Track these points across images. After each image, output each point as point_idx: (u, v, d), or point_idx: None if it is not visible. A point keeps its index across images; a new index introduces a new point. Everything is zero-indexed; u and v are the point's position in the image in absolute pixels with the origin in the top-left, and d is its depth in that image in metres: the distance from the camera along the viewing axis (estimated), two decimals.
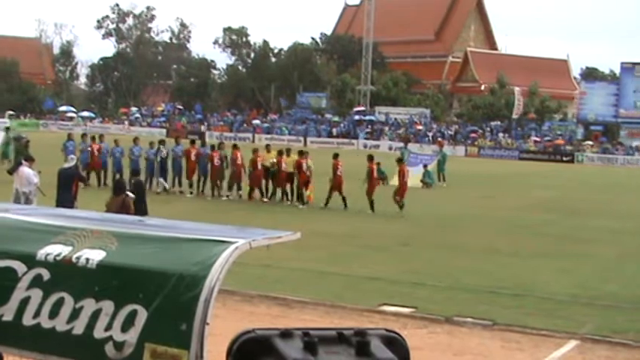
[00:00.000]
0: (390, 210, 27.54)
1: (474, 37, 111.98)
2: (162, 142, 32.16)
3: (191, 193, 29.95)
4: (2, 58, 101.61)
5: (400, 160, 30.00)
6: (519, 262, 18.53)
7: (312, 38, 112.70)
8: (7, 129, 35.93)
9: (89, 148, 31.78)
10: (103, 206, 15.17)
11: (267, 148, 31.49)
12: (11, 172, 20.89)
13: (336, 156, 29.20)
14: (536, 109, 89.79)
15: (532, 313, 13.62)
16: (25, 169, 19.84)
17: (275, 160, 29.09)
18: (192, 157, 30.12)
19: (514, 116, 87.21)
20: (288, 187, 29.10)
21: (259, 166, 28.88)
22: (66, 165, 20.94)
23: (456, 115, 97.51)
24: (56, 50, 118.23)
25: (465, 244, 20.89)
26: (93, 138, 32.99)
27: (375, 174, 28.42)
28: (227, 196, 29.49)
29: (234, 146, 30.48)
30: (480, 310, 13.58)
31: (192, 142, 31.94)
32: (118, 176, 28.55)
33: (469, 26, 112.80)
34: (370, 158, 28.83)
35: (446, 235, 22.59)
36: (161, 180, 30.30)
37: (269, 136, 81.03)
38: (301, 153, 29.52)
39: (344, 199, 27.89)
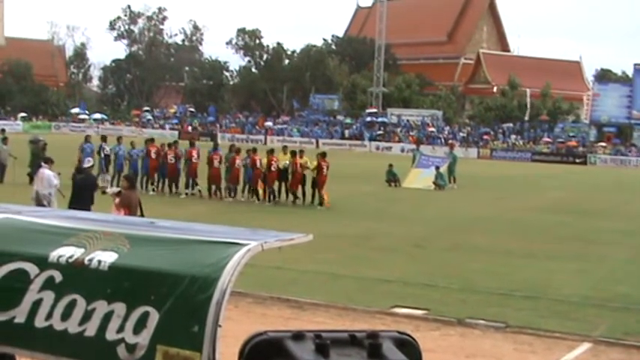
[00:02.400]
0: (401, 212, 27.54)
1: (486, 39, 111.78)
2: (104, 138, 33.09)
3: (186, 194, 30.01)
4: (15, 60, 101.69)
5: (323, 155, 29.74)
6: (532, 264, 18.47)
7: (325, 40, 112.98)
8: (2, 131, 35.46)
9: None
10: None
11: (284, 149, 31.49)
12: (32, 175, 20.97)
13: (323, 155, 29.38)
14: (548, 111, 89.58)
15: (545, 315, 13.57)
16: (45, 171, 19.88)
17: (288, 162, 29.20)
18: (194, 159, 30.31)
19: (526, 118, 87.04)
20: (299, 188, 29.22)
21: (273, 168, 28.96)
22: (85, 165, 20.91)
23: (468, 116, 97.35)
24: (68, 52, 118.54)
25: (478, 245, 20.84)
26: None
27: (325, 171, 28.78)
28: (230, 196, 29.45)
29: (254, 150, 30.37)
30: (492, 312, 13.54)
31: (192, 144, 32.01)
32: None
33: (481, 28, 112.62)
34: (323, 155, 29.49)
35: (458, 236, 22.53)
36: (107, 177, 30.35)
37: (281, 138, 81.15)
38: (294, 153, 29.65)
39: (321, 197, 28.59)
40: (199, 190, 29.94)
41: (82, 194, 18.40)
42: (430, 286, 15.42)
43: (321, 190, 28.89)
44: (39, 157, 25.00)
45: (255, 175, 29.04)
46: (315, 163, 29.00)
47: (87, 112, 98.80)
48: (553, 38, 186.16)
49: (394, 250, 19.68)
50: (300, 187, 29.09)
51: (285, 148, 32.03)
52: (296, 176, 28.85)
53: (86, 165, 21.17)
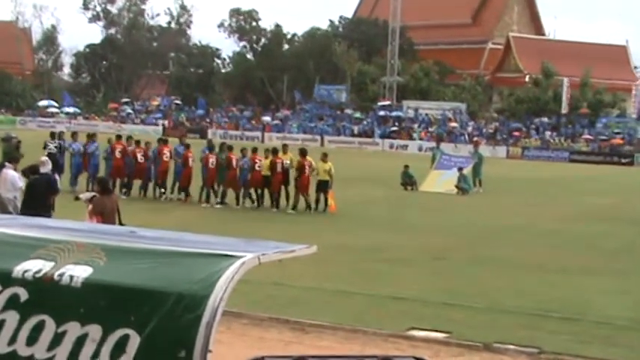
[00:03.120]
0: (418, 220, 27.51)
1: (517, 21, 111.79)
2: (56, 135, 33.56)
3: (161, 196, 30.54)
4: None
5: (303, 153, 29.88)
6: (569, 281, 18.44)
7: (331, 22, 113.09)
8: None
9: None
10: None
11: (284, 148, 31.53)
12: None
13: (303, 153, 29.65)
14: (589, 104, 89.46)
15: (584, 339, 13.54)
16: (9, 172, 19.75)
17: (289, 162, 29.32)
18: (165, 158, 30.72)
19: (563, 112, 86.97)
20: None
21: (278, 169, 29.12)
22: (42, 170, 20.33)
23: (495, 110, 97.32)
24: (35, 36, 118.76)
25: (507, 259, 20.81)
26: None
27: (307, 171, 28.98)
28: (218, 203, 29.61)
29: (254, 150, 30.70)
30: (523, 335, 13.52)
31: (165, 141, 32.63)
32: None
33: (512, 8, 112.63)
34: (303, 153, 29.69)
35: (484, 248, 22.51)
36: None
37: (281, 134, 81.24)
38: (275, 151, 29.90)
39: (306, 201, 29.03)
40: (163, 194, 30.62)
41: (35, 198, 17.99)
42: (452, 306, 15.40)
43: (306, 192, 29.14)
44: (12, 157, 24.73)
45: (253, 178, 29.23)
46: (294, 161, 29.34)
47: (56, 104, 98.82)
48: (594, 20, 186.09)
49: (410, 264, 19.67)
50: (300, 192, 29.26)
51: (285, 147, 32.08)
52: (303, 179, 28.96)
53: (45, 168, 20.85)
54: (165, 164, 30.62)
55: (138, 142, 31.92)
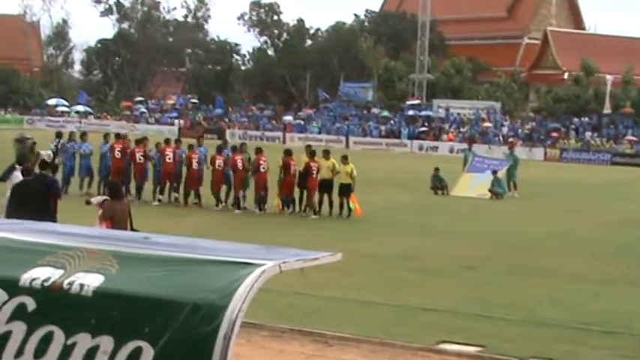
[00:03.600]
0: (449, 226, 27.45)
1: (555, 14, 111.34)
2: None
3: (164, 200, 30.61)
4: None
5: (312, 154, 30.05)
6: (611, 291, 18.36)
7: (356, 16, 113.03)
8: None
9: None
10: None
11: (308, 149, 31.55)
12: (3, 178, 20.68)
13: (312, 154, 29.84)
14: (632, 103, 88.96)
15: (630, 355, 13.47)
16: (19, 175, 19.79)
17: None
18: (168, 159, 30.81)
19: (605, 111, 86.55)
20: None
21: (292, 171, 29.19)
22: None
23: (532, 109, 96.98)
24: (44, 31, 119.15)
25: (543, 267, 20.75)
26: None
27: (293, 170, 29.23)
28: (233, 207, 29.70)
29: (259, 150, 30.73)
30: (562, 350, 13.47)
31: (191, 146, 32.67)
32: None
33: (549, 1, 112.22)
34: (312, 154, 29.88)
35: (521, 256, 22.45)
36: None
37: (303, 135, 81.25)
38: (260, 150, 30.13)
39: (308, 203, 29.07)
40: (159, 199, 30.67)
41: (23, 204, 16.73)
42: (485, 317, 15.36)
43: (312, 195, 29.23)
44: (26, 159, 24.63)
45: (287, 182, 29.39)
46: (302, 162, 29.43)
47: (66, 103, 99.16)
48: (638, 13, 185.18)
49: (440, 273, 19.64)
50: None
51: (308, 147, 32.08)
52: (311, 181, 29.06)
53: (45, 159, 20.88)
54: (168, 166, 30.61)
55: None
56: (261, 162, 29.47)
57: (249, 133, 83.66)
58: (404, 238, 24.66)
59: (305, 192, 29.45)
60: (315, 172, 29.03)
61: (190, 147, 31.52)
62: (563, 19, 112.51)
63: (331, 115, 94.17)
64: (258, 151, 30.14)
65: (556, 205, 35.34)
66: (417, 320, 15.11)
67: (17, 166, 20.46)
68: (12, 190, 18.33)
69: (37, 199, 17.39)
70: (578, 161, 73.16)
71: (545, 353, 13.23)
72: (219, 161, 30.07)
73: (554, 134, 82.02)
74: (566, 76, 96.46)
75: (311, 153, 29.96)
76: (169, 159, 30.73)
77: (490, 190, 37.14)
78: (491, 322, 15.08)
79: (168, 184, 30.92)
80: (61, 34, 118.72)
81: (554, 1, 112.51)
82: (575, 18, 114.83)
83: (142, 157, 30.84)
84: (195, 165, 30.32)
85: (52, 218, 16.89)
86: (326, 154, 30.08)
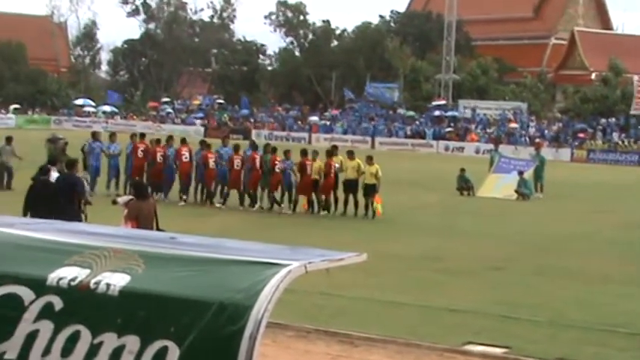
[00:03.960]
0: (475, 227, 27.39)
1: (583, 14, 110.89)
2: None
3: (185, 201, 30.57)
4: (6, 41, 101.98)
5: (330, 154, 30.13)
6: (639, 294, 18.27)
7: (382, 17, 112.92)
8: None
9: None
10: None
11: (334, 150, 31.67)
12: (36, 179, 20.58)
13: (330, 154, 29.92)
14: None
15: None
16: (53, 176, 19.78)
17: (338, 166, 29.51)
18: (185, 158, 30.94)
19: (633, 112, 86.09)
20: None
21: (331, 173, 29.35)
22: (53, 172, 20.05)
23: (559, 110, 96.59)
24: (71, 31, 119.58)
25: (570, 269, 20.67)
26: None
27: (309, 170, 29.18)
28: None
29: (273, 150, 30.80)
30: (590, 352, 13.42)
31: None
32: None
33: (577, 0, 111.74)
34: (330, 154, 29.97)
35: (547, 257, 22.37)
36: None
37: (328, 135, 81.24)
38: (274, 150, 30.27)
39: (322, 201, 29.28)
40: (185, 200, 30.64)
41: (39, 205, 17.06)
42: (511, 319, 15.32)
43: (329, 196, 29.36)
44: (58, 159, 24.61)
45: (303, 183, 29.37)
46: (321, 163, 29.51)
47: (93, 103, 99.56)
48: None
49: (466, 274, 19.60)
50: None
51: (334, 148, 32.10)
52: (329, 181, 29.18)
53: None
54: (185, 166, 30.72)
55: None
56: (276, 162, 29.52)
57: (275, 134, 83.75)
58: (429, 239, 24.64)
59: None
60: (333, 173, 29.06)
61: (207, 146, 31.63)
62: (591, 19, 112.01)
63: (357, 115, 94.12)
64: (273, 151, 30.23)
65: (582, 206, 35.20)
66: (442, 321, 15.08)
67: (51, 166, 20.40)
68: (34, 189, 18.44)
69: (60, 198, 17.62)
70: (605, 162, 72.80)
71: (572, 355, 13.18)
72: (255, 160, 30.12)
73: (581, 135, 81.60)
74: (593, 76, 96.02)
75: (330, 153, 29.96)
76: (186, 158, 30.86)
77: (516, 191, 37.03)
78: (517, 324, 15.04)
79: (193, 185, 30.99)
80: (88, 35, 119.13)
81: (582, 0, 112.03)
82: (603, 18, 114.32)
83: (161, 157, 31.04)
84: (211, 164, 30.35)
85: (77, 218, 17.01)
86: (350, 154, 30.11)
